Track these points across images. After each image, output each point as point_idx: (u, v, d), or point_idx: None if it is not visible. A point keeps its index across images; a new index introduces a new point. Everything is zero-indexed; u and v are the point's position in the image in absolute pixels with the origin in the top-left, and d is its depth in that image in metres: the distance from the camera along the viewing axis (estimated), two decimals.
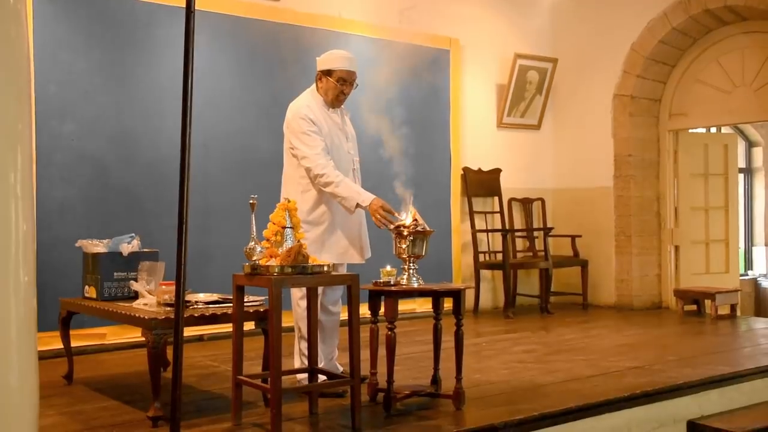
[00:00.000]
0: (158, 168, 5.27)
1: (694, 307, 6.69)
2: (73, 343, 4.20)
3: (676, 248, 7.20)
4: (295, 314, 3.80)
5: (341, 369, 3.94)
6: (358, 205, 3.62)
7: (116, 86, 5.17)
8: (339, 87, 3.78)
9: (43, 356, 4.34)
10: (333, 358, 3.98)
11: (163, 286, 3.53)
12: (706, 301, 6.59)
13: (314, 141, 3.68)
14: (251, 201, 3.22)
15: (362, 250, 3.88)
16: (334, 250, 3.76)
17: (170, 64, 5.30)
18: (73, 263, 4.49)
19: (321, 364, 3.74)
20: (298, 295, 3.77)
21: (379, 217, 3.57)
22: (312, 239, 3.69)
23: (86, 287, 4.01)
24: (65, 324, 4.08)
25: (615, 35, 7.16)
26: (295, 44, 5.95)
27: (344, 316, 3.89)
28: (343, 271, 3.87)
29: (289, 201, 3.32)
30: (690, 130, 7.36)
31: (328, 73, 3.79)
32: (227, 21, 5.62)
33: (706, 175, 7.37)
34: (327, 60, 3.82)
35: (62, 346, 4.11)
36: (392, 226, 3.52)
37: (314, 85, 3.88)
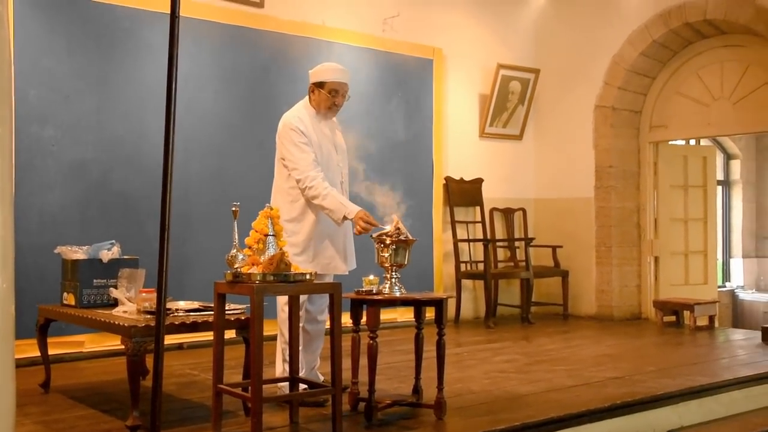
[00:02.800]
0: (139, 174, 5.23)
1: (673, 318, 6.73)
2: (51, 351, 4.16)
3: (656, 259, 7.26)
4: (279, 319, 3.79)
5: (322, 378, 3.93)
6: (345, 218, 3.65)
7: (97, 91, 5.13)
8: (331, 99, 3.80)
9: (20, 364, 4.27)
10: (315, 367, 3.96)
11: (144, 294, 3.50)
12: (685, 312, 6.64)
13: (304, 153, 3.71)
14: (233, 208, 3.21)
15: (347, 261, 3.90)
16: (319, 261, 3.77)
17: (152, 69, 5.28)
18: (52, 270, 4.44)
19: (302, 373, 3.73)
20: (282, 301, 3.76)
21: (360, 226, 3.58)
22: (298, 249, 3.70)
23: (65, 294, 3.97)
24: (43, 331, 4.03)
25: (597, 47, 7.23)
26: (277, 52, 5.94)
27: (326, 324, 3.89)
28: (329, 280, 3.87)
29: (271, 209, 3.31)
30: (670, 142, 7.44)
31: (320, 85, 3.81)
32: (209, 27, 5.60)
33: (686, 186, 7.45)
34: (319, 72, 3.85)
35: (39, 354, 4.06)
36: (375, 234, 3.53)
37: (307, 98, 3.91)
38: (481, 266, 6.94)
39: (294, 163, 3.72)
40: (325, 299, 3.90)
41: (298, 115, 3.79)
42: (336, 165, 3.86)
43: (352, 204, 3.69)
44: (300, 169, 3.70)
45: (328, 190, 3.66)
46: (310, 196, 3.68)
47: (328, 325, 3.79)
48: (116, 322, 3.33)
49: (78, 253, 3.94)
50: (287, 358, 3.67)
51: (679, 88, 7.10)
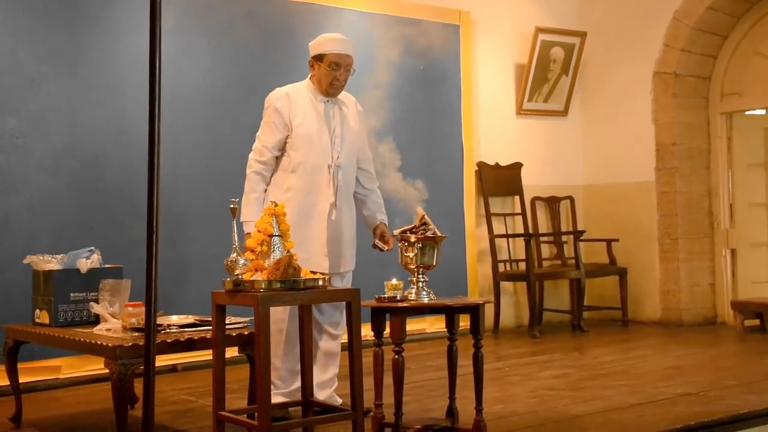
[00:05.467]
0: (120, 169, 5.27)
1: (756, 321, 6.69)
2: (22, 379, 4.19)
3: (733, 252, 7.21)
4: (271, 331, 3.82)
5: (340, 401, 3.96)
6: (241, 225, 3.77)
7: (67, 74, 5.18)
8: (332, 73, 3.90)
9: None
10: (332, 387, 4.01)
11: (130, 308, 3.54)
12: None
13: (266, 135, 3.94)
14: (232, 206, 3.24)
15: (328, 258, 3.90)
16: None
17: (131, 46, 5.32)
18: (21, 283, 4.50)
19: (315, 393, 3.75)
20: (278, 311, 3.77)
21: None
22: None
23: (37, 311, 4.01)
24: (12, 356, 4.07)
25: (654, 2, 7.18)
26: (277, 22, 5.97)
27: (343, 338, 3.91)
28: (339, 282, 3.93)
29: (276, 205, 3.34)
30: (746, 113, 7.37)
31: (319, 58, 3.93)
32: None
33: (767, 165, 7.39)
34: (317, 44, 3.97)
35: (8, 383, 4.10)
36: (397, 231, 3.55)
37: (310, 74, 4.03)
38: (522, 266, 6.94)
39: (256, 142, 3.99)
40: (336, 307, 3.94)
41: (287, 91, 3.98)
42: (326, 147, 3.94)
43: (254, 219, 3.62)
44: (254, 149, 3.98)
45: (253, 190, 3.90)
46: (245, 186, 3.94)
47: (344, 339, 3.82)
48: (98, 342, 3.36)
49: (51, 262, 3.98)
50: (278, 382, 3.75)
51: (757, 47, 7.03)
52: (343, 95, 4.06)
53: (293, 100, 3.92)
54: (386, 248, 3.94)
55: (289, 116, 3.89)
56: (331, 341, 4.02)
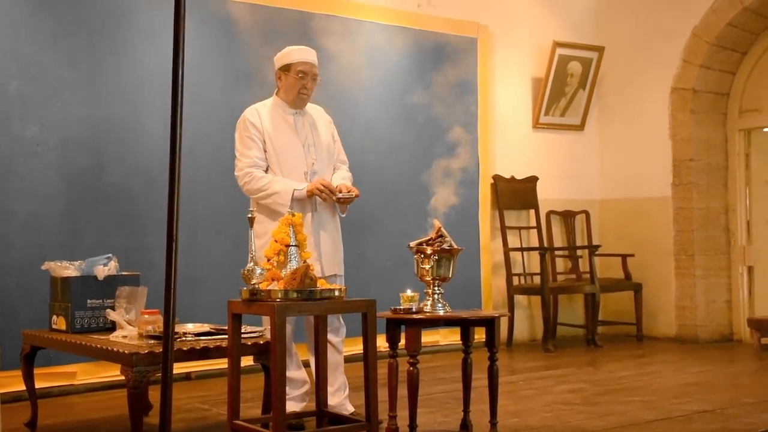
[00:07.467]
0: (139, 177, 5.29)
1: None
2: (38, 384, 4.21)
3: (750, 269, 7.15)
4: None
5: (352, 409, 3.95)
6: (294, 193, 3.87)
7: (88, 82, 5.21)
8: (300, 82, 4.03)
9: (2, 399, 4.35)
10: (344, 394, 4.02)
11: (146, 316, 3.54)
12: None
13: (246, 149, 4.03)
14: (249, 215, 3.25)
15: (319, 262, 3.92)
16: None
17: (152, 55, 5.35)
18: (39, 289, 4.51)
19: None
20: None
21: (320, 185, 3.86)
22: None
23: (54, 317, 4.03)
24: (28, 361, 4.09)
25: (673, 18, 7.16)
26: (296, 32, 5.97)
27: (358, 349, 3.90)
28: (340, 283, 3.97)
29: (293, 215, 3.34)
30: (765, 129, 7.32)
31: (286, 68, 4.07)
32: (219, 6, 5.66)
33: None
34: (283, 56, 4.11)
35: (24, 388, 4.12)
36: (413, 243, 3.55)
37: (275, 92, 4.16)
38: (537, 279, 6.91)
39: (236, 160, 4.07)
40: (336, 315, 3.97)
41: (257, 107, 4.14)
42: (299, 155, 4.05)
43: (298, 186, 3.91)
44: (238, 166, 4.05)
45: (269, 177, 3.97)
46: (254, 190, 3.97)
47: (357, 350, 3.80)
48: (114, 349, 3.37)
49: (69, 269, 3.99)
50: (287, 389, 3.72)
51: None
52: (310, 107, 4.19)
53: (263, 116, 4.06)
54: (347, 191, 3.99)
55: (262, 129, 4.02)
56: (335, 352, 4.02)
